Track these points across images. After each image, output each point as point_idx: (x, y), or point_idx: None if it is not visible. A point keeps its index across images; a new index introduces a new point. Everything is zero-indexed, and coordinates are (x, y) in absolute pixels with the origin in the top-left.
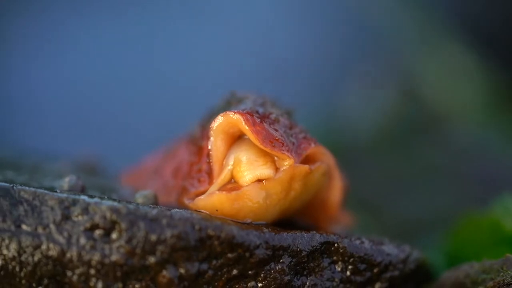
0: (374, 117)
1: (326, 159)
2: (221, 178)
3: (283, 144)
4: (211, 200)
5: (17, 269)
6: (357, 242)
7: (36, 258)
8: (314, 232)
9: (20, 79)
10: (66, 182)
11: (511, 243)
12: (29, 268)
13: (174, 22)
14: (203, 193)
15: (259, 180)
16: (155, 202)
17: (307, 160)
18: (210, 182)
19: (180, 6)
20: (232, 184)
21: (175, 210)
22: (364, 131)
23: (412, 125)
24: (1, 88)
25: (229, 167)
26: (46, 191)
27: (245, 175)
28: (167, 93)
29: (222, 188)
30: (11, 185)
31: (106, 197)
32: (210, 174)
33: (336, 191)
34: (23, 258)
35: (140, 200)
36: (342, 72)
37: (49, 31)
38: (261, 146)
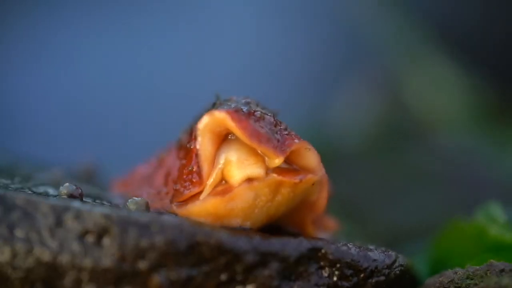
0: (361, 124)
1: (310, 154)
2: (212, 178)
3: (269, 140)
4: (205, 205)
5: (10, 273)
6: (344, 248)
7: (29, 263)
8: (302, 238)
9: (16, 86)
10: (65, 187)
11: (495, 250)
12: (22, 272)
13: (168, 28)
14: (196, 194)
15: (250, 179)
16: (147, 209)
17: (293, 156)
18: (202, 183)
19: (174, 14)
20: (223, 186)
21: (166, 216)
22: (352, 138)
23: (399, 132)
24: None
25: (220, 166)
26: (39, 198)
27: (235, 175)
28: (164, 98)
29: (214, 192)
30: (5, 191)
31: (98, 203)
32: (200, 175)
33: (321, 190)
34: (16, 263)
35: (131, 207)
36: (331, 79)
37: (45, 37)
38: (248, 142)
